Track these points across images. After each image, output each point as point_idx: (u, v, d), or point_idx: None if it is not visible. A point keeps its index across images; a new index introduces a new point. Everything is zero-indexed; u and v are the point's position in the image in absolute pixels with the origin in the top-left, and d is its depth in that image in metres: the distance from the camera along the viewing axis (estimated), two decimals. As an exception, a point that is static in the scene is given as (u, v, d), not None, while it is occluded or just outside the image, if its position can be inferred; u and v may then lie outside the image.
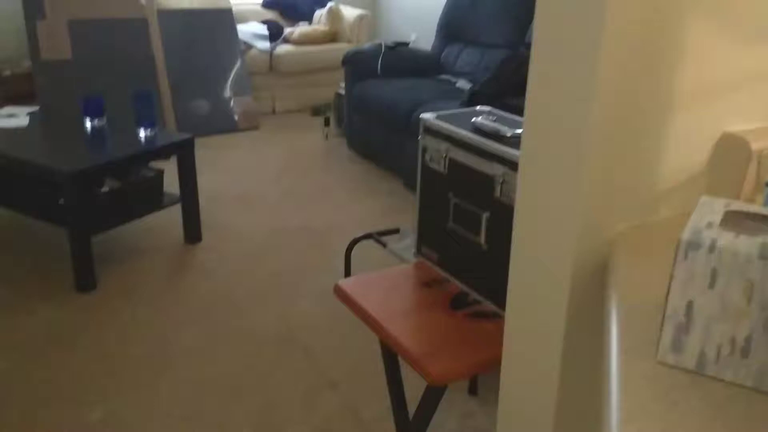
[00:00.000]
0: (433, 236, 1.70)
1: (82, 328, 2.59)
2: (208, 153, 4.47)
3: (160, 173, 3.15)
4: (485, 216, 1.50)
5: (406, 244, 2.87)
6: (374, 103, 4.16)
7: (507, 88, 3.31)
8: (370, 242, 2.97)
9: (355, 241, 2.95)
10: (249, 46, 5.27)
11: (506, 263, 1.41)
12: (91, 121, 3.21)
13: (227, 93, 5.02)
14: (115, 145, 3.07)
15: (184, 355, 2.45)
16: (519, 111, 3.22)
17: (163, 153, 3.08)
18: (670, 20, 0.93)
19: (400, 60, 4.49)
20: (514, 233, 1.14)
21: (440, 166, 1.63)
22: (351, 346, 2.50)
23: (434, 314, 1.50)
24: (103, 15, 4.53)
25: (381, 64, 4.38)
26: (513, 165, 1.40)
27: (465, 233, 1.57)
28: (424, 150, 1.68)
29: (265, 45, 5.33)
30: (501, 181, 1.43)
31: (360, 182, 4.08)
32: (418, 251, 1.77)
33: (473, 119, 1.59)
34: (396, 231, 2.99)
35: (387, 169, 4.19)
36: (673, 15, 0.93)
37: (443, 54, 4.56)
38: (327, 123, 4.72)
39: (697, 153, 1.03)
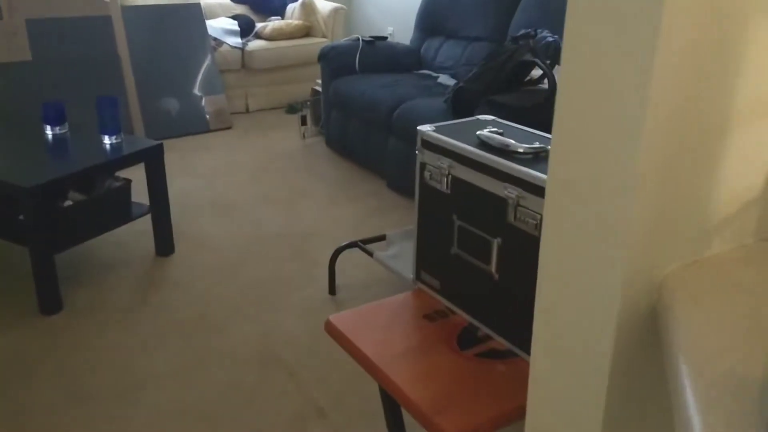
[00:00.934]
0: (434, 261, 1.53)
1: (47, 354, 2.39)
2: (178, 156, 4.26)
3: (128, 183, 2.95)
4: (496, 242, 1.34)
5: (393, 252, 2.71)
6: (353, 100, 3.98)
7: (494, 85, 3.16)
8: (355, 249, 2.80)
9: (339, 251, 2.78)
10: (219, 43, 5.06)
11: (522, 296, 1.27)
12: (52, 128, 2.99)
13: (197, 92, 4.80)
14: (78, 155, 2.87)
15: (157, 381, 2.27)
16: (508, 108, 3.08)
17: (130, 161, 2.88)
18: (730, 25, 0.77)
19: (378, 55, 4.31)
20: (540, 270, 0.98)
21: (442, 185, 1.46)
22: (339, 367, 2.33)
23: (440, 355, 1.34)
24: (63, 13, 4.29)
25: (359, 59, 4.20)
26: (528, 186, 1.24)
27: (472, 260, 1.41)
28: (423, 166, 1.51)
29: (237, 41, 5.12)
30: (515, 204, 1.27)
31: (340, 183, 3.90)
32: (417, 277, 1.60)
33: (478, 132, 1.42)
34: (382, 238, 2.83)
35: (368, 169, 4.01)
36: (735, 19, 0.77)
37: (423, 48, 4.39)
38: (304, 122, 4.54)
39: (753, 177, 0.88)
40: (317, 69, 4.53)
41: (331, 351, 2.42)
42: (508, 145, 1.33)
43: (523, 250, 1.27)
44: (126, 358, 2.38)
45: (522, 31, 3.26)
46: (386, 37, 4.59)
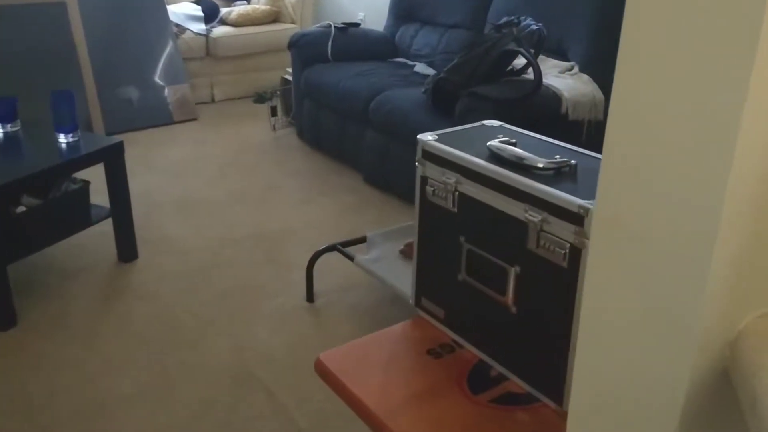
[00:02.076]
0: (437, 288, 1.37)
1: None
2: (140, 151, 4.02)
3: (86, 185, 2.73)
4: (514, 271, 1.18)
5: (374, 255, 2.54)
6: (327, 90, 3.79)
7: (476, 75, 2.99)
8: (333, 252, 2.63)
9: (317, 255, 2.61)
10: (182, 29, 4.80)
11: (544, 332, 1.10)
12: (3, 126, 2.75)
13: (159, 81, 4.56)
14: (32, 156, 2.64)
15: (123, 403, 2.08)
16: (493, 101, 2.92)
17: (88, 162, 2.66)
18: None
19: (351, 42, 4.12)
20: (583, 318, 0.83)
21: (447, 203, 1.29)
22: (320, 385, 2.16)
23: (451, 401, 1.17)
24: (14, 0, 4.00)
25: (331, 47, 4.00)
26: (554, 209, 1.08)
27: (484, 289, 1.25)
28: (425, 181, 1.34)
29: (200, 27, 4.87)
30: (538, 229, 1.11)
31: (315, 178, 3.71)
32: (417, 304, 1.43)
33: (489, 143, 1.25)
34: (362, 240, 2.66)
35: (344, 163, 3.83)
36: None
37: (398, 35, 4.20)
38: (274, 112, 4.33)
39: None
40: (286, 56, 4.32)
41: (311, 367, 2.25)
42: (523, 159, 1.17)
43: (547, 282, 1.12)
44: (88, 379, 2.19)
45: (504, 19, 3.09)
46: (359, 24, 4.39)
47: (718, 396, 0.79)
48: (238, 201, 3.45)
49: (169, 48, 4.61)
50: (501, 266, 1.19)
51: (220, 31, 4.90)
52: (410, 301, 1.46)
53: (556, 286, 1.11)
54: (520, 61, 3.14)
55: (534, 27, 3.03)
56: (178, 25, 4.78)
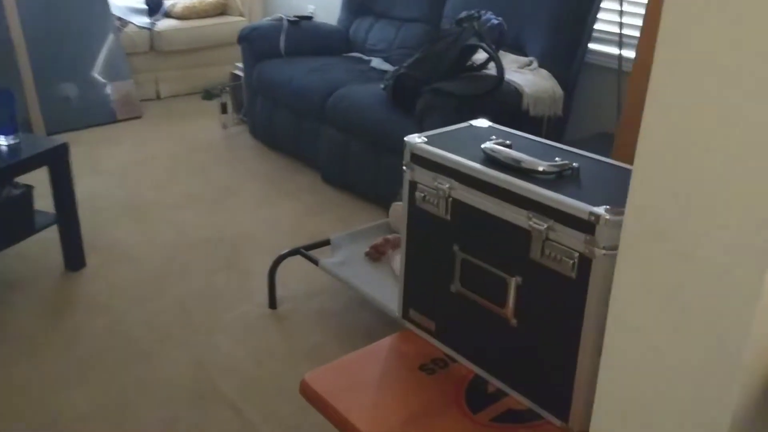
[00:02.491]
0: (427, 299, 1.28)
1: (-62, 402, 2.02)
2: (83, 151, 3.82)
3: (29, 190, 2.55)
4: (515, 282, 1.10)
5: (340, 258, 2.44)
6: (280, 86, 3.66)
7: (438, 71, 2.92)
8: (296, 256, 2.52)
9: (279, 260, 2.50)
10: (124, 23, 4.59)
11: (547, 346, 1.04)
12: (-68, 128, 2.54)
13: (101, 78, 4.34)
14: (-34, 159, 2.44)
15: (77, 425, 1.94)
16: (456, 97, 2.85)
17: (31, 165, 2.48)
18: None
19: (304, 36, 3.99)
20: (609, 332, 0.76)
21: (439, 210, 1.21)
22: (287, 396, 2.07)
23: (450, 421, 1.09)
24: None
25: (284, 41, 3.87)
26: (562, 217, 1.00)
27: (481, 301, 1.17)
28: (414, 186, 1.25)
29: (144, 20, 4.66)
30: (543, 237, 1.03)
31: (271, 179, 3.59)
32: (405, 316, 1.35)
33: (483, 145, 1.16)
34: (325, 243, 2.56)
35: (300, 161, 3.71)
36: None
37: (352, 29, 4.10)
38: (224, 109, 4.17)
39: None
40: (236, 51, 4.16)
41: (278, 378, 2.15)
42: (521, 162, 1.09)
43: (553, 293, 1.05)
44: (38, 399, 2.03)
45: (465, 13, 3.03)
46: (311, 17, 4.27)
47: (764, 415, 0.74)
48: (191, 204, 3.30)
49: (110, 42, 4.40)
50: (500, 277, 1.12)
51: (164, 24, 4.70)
52: (396, 314, 1.37)
53: (562, 298, 1.04)
54: (479, 56, 3.08)
55: (495, 21, 2.98)
56: (120, 18, 4.56)
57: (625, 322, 0.79)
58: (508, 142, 1.19)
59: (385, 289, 2.28)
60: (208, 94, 4.66)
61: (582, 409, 1.06)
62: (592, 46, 3.38)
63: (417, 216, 1.24)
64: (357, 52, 4.01)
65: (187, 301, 2.53)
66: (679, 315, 0.72)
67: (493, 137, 1.23)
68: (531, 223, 1.05)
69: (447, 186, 1.16)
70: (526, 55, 3.27)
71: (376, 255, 2.48)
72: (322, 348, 2.29)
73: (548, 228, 1.03)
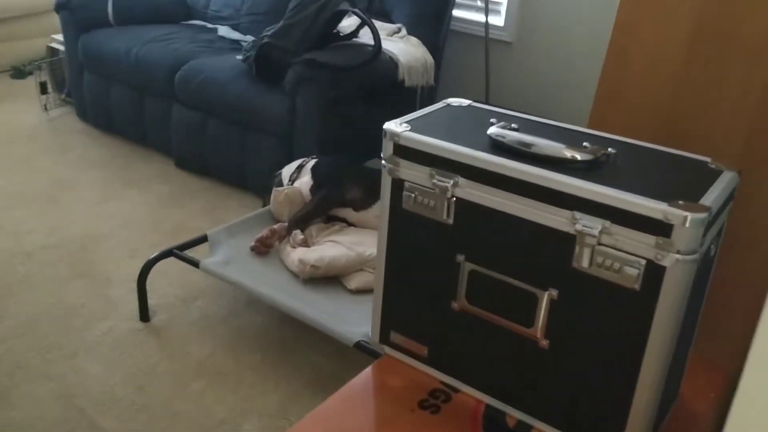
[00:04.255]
0: (417, 319, 1.04)
1: None
2: None
3: None
4: (548, 296, 0.90)
5: (222, 256, 2.13)
6: (115, 60, 3.19)
7: (306, 40, 2.66)
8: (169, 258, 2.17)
9: (150, 264, 2.14)
10: None
11: (593, 373, 0.87)
12: None
13: None
14: None
15: None
16: (330, 69, 2.60)
17: None
18: None
19: (135, 3, 3.52)
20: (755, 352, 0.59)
21: (438, 212, 0.97)
22: (185, 423, 1.76)
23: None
24: None
25: (113, 9, 3.38)
26: (618, 215, 0.81)
27: (497, 320, 0.96)
28: (399, 185, 1.00)
29: (-74, -15, 3.89)
30: (593, 242, 0.83)
31: (113, 167, 3.13)
32: (383, 340, 1.11)
33: (490, 131, 0.93)
34: (203, 240, 2.23)
35: (146, 146, 3.28)
36: None
37: (190, -6, 3.68)
38: (44, 89, 3.59)
39: None
40: (52, 21, 3.60)
41: (169, 403, 1.83)
42: (544, 150, 0.88)
43: (604, 309, 0.87)
44: None
45: (328, -24, 2.78)
46: (140, -18, 3.77)
47: None
48: (18, 204, 2.78)
49: None
50: (526, 291, 0.92)
51: (-47, -10, 3.96)
52: (370, 338, 1.14)
53: (618, 314, 0.86)
54: (347, 23, 2.86)
55: (364, -15, 2.77)
56: None
57: None
58: (514, 125, 0.99)
59: (281, 285, 2.02)
60: (20, 72, 4.00)
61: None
62: (456, 12, 3.28)
63: (403, 221, 1.00)
64: (198, 19, 3.62)
65: (37, 321, 2.10)
66: None
67: (493, 120, 1.02)
68: (578, 226, 0.85)
69: (450, 183, 0.94)
70: (392, 23, 3.09)
71: (263, 249, 2.20)
72: (212, 360, 1.99)
73: (603, 231, 0.84)
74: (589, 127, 1.12)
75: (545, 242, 0.89)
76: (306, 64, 2.56)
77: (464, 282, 0.98)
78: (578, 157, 0.89)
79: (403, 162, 1.00)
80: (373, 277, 2.05)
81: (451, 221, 0.97)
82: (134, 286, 2.18)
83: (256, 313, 2.20)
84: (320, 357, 2.01)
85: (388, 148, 1.00)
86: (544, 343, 0.95)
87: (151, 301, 2.18)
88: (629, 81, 1.16)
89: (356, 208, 2.32)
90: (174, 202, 2.84)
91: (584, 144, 0.93)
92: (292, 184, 2.39)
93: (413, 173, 0.98)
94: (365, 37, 2.84)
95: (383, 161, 1.02)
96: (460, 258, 0.98)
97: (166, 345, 2.04)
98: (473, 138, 0.96)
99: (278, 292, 1.98)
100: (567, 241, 0.88)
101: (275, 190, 2.37)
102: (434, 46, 3.06)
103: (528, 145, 0.90)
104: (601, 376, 0.91)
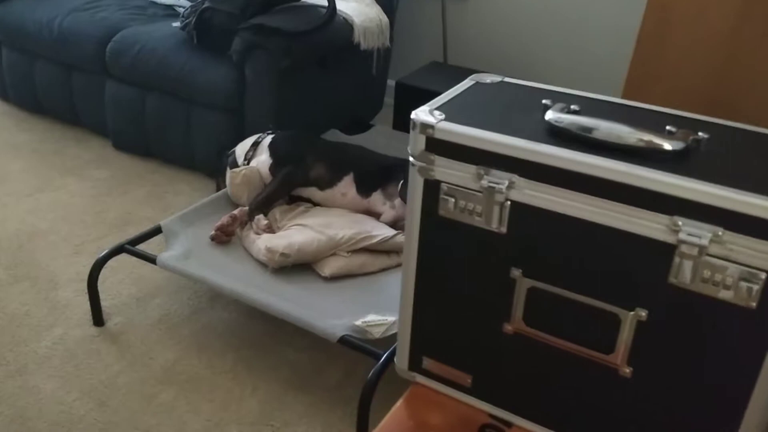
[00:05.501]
0: (457, 344, 0.88)
1: None
2: None
3: None
4: (633, 317, 0.76)
5: (180, 249, 1.95)
6: (35, 33, 2.88)
7: (252, 3, 2.44)
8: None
9: (101, 262, 1.94)
10: None
11: (690, 405, 0.74)
12: None
13: None
14: None
15: None
16: (282, 34, 2.38)
17: None
18: None
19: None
20: None
21: (489, 219, 0.81)
22: (162, 443, 1.60)
23: None
24: None
25: (27, -25, 3.04)
26: (733, 221, 0.66)
27: (564, 344, 0.82)
28: (434, 187, 0.83)
29: None
30: (698, 252, 0.69)
31: (41, 153, 2.85)
32: (413, 367, 0.96)
33: (548, 116, 0.76)
34: (156, 232, 2.03)
35: (79, 126, 3.00)
36: None
37: (113, -44, 3.35)
38: (-46, 69, 3.23)
39: None
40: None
41: (135, 419, 1.65)
42: (622, 138, 0.72)
43: (707, 332, 0.73)
44: None
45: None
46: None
47: None
48: (-61, 198, 2.50)
49: None
50: (604, 311, 0.77)
51: None
52: (396, 364, 0.98)
53: (726, 337, 0.72)
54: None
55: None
56: None
57: None
58: (574, 106, 0.82)
59: (248, 277, 1.86)
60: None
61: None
62: (407, -34, 3.08)
63: (439, 229, 0.82)
64: (124, -16, 3.30)
65: (-26, 337, 1.88)
66: None
67: (546, 102, 0.85)
68: (681, 234, 0.70)
69: (504, 184, 0.77)
70: (340, -21, 2.88)
71: (224, 238, 2.02)
72: (180, 366, 1.81)
73: (713, 240, 0.69)
74: (625, 88, 0.98)
75: (632, 253, 0.74)
76: (254, 30, 2.34)
77: (521, 300, 0.82)
78: (667, 146, 0.73)
79: (439, 159, 0.81)
80: (346, 263, 1.92)
81: (504, 230, 0.80)
82: (82, 286, 1.97)
83: (222, 308, 2.02)
84: (298, 353, 1.86)
85: (418, 143, 0.82)
86: (626, 371, 0.81)
87: (104, 303, 1.98)
88: (670, 48, 1.02)
89: (321, 187, 2.15)
90: (116, 189, 2.60)
91: (668, 128, 0.77)
92: (248, 163, 2.20)
93: (453, 173, 0.80)
94: (314, -3, 2.63)
95: (411, 158, 0.85)
96: (516, 273, 0.82)
97: (125, 352, 1.85)
98: (525, 125, 0.79)
99: (248, 286, 1.81)
100: (662, 251, 0.72)
101: (231, 172, 2.18)
102: (388, 4, 2.87)
103: (603, 132, 0.74)
104: (697, 410, 0.78)
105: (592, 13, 2.86)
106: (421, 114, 0.81)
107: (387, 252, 2.00)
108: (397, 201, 2.11)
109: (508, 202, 0.79)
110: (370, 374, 1.51)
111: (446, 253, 0.86)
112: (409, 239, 0.89)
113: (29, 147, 2.88)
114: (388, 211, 2.12)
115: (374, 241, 1.97)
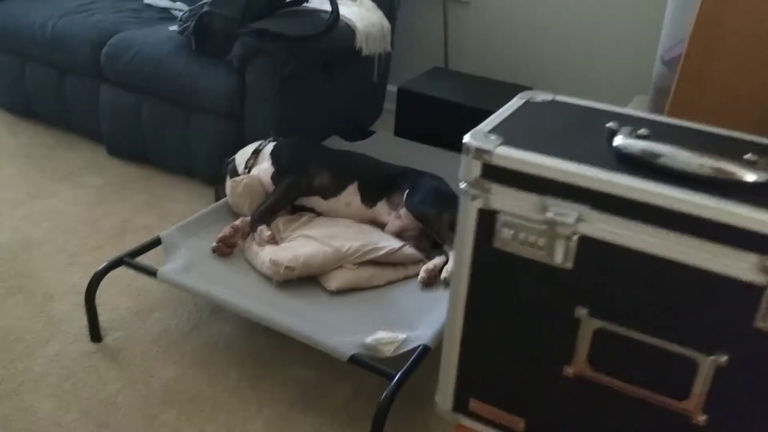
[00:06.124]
0: (509, 385, 0.82)
1: None
2: None
3: None
4: (712, 362, 0.71)
5: (180, 262, 1.89)
6: (26, 35, 2.80)
7: (252, 7, 2.38)
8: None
9: (100, 276, 1.87)
10: None
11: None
12: None
13: None
14: None
15: None
16: (285, 39, 2.31)
17: None
18: None
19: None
20: None
21: (553, 255, 0.76)
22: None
23: None
24: None
25: (20, -24, 2.97)
26: None
27: (629, 389, 0.76)
28: (491, 218, 0.77)
29: None
30: None
31: (33, 159, 2.77)
32: (459, 408, 0.90)
33: (617, 143, 0.69)
34: (156, 243, 1.97)
35: (73, 132, 2.92)
36: None
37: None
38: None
39: None
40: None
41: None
42: (684, 162, 0.66)
43: None
44: None
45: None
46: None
47: None
48: (-73, 206, 2.42)
49: None
50: (680, 355, 0.72)
51: None
52: (437, 404, 0.92)
53: None
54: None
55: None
56: None
57: None
58: (642, 131, 0.76)
59: (252, 291, 1.81)
60: None
61: None
62: (409, -30, 3.04)
63: (494, 262, 0.76)
64: (118, -14, 3.23)
65: (-33, 353, 1.81)
66: None
67: (612, 125, 0.79)
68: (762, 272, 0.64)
69: (573, 217, 0.71)
70: (341, -17, 2.82)
71: (226, 250, 1.96)
72: (182, 384, 1.75)
73: None
74: (669, 114, 0.93)
75: (714, 294, 0.68)
76: (256, 35, 2.28)
77: (586, 342, 0.76)
78: (749, 177, 0.67)
79: (495, 187, 0.75)
80: (353, 276, 1.87)
81: (570, 265, 0.74)
82: (79, 299, 1.91)
83: (224, 322, 1.96)
84: (304, 369, 1.81)
85: (472, 170, 0.75)
86: (701, 419, 0.75)
87: (101, 317, 1.92)
88: (723, 51, 0.96)
89: (325, 196, 2.10)
90: (112, 197, 2.53)
91: (748, 156, 0.72)
92: (248, 171, 2.15)
93: (513, 203, 0.74)
94: (315, 1, 2.58)
95: (463, 185, 0.78)
96: (582, 312, 0.76)
97: (125, 369, 1.79)
98: (591, 151, 0.72)
99: (252, 300, 1.76)
100: (749, 292, 0.67)
101: (232, 181, 2.12)
102: (388, 9, 2.82)
103: (680, 161, 0.68)
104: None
105: (594, 18, 2.83)
106: (476, 138, 0.75)
107: (393, 264, 1.95)
108: (403, 211, 2.06)
109: (576, 236, 0.73)
110: (382, 398, 1.46)
111: (501, 289, 0.80)
112: (459, 269, 0.83)
113: (20, 152, 2.80)
114: (393, 221, 2.07)
115: (381, 253, 1.92)
